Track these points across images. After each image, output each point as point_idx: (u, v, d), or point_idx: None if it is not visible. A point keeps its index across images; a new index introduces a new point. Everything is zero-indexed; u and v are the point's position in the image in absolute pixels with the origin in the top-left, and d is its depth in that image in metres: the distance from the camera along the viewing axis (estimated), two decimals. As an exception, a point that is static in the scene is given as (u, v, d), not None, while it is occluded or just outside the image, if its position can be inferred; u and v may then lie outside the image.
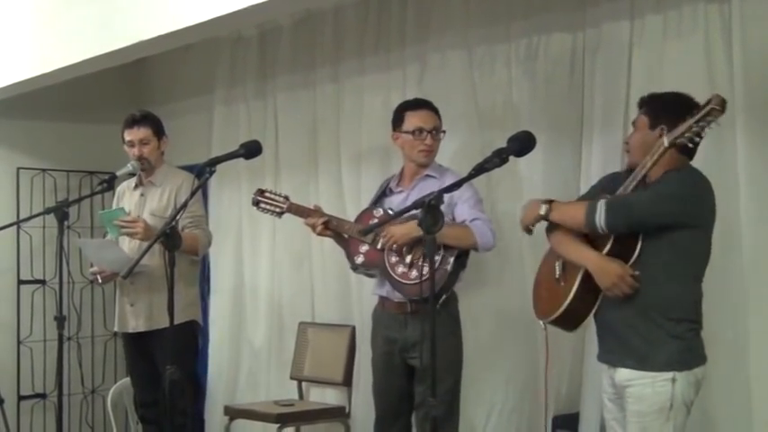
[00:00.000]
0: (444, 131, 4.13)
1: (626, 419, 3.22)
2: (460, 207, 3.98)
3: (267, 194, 4.38)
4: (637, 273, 3.15)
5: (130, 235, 4.63)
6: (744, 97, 3.65)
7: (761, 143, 3.62)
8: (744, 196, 3.65)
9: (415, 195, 3.97)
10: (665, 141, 3.12)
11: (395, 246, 3.97)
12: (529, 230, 3.47)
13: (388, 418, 4.13)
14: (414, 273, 3.91)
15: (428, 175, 4.10)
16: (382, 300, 4.15)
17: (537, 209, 3.38)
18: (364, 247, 4.11)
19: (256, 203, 4.40)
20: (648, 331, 3.17)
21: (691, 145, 3.10)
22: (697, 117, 3.04)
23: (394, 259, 4.00)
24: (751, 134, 3.63)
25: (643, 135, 3.27)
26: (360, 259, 4.13)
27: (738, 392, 3.65)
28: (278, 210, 4.36)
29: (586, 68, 4.21)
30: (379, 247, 4.05)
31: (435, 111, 4.13)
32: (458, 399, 4.03)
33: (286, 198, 4.35)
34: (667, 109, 3.20)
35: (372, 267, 4.11)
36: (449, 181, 3.84)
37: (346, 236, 4.19)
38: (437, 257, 3.88)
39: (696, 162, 3.41)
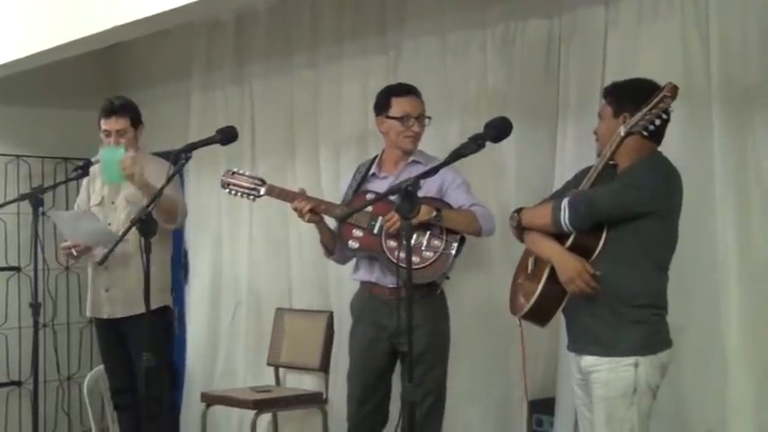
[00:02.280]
0: (429, 117, 4.11)
1: (592, 404, 3.25)
2: (455, 193, 3.97)
3: (238, 175, 4.22)
4: (597, 272, 3.17)
5: (130, 177, 4.46)
6: (720, 83, 3.66)
7: (737, 130, 3.64)
8: (719, 184, 3.67)
9: (392, 182, 3.97)
10: (622, 131, 3.17)
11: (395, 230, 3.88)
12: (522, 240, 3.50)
13: (362, 398, 4.09)
14: (416, 257, 3.83)
15: (415, 161, 4.07)
16: (369, 286, 4.09)
17: (510, 222, 3.46)
18: (358, 232, 4.03)
19: (226, 185, 4.22)
20: (612, 319, 3.20)
21: (645, 133, 3.14)
22: (650, 105, 3.10)
23: (392, 244, 3.94)
24: (727, 121, 3.64)
25: (608, 125, 3.29)
26: (354, 244, 4.04)
27: (712, 377, 3.67)
28: (253, 192, 4.19)
29: (562, 54, 4.22)
30: (375, 231, 3.99)
31: (420, 96, 4.11)
32: (445, 384, 4.04)
33: (262, 181, 4.20)
34: (628, 97, 3.23)
35: (368, 252, 4.03)
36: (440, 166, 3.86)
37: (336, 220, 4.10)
38: (440, 243, 3.88)
39: (671, 149, 3.43)
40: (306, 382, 5.27)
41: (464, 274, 4.37)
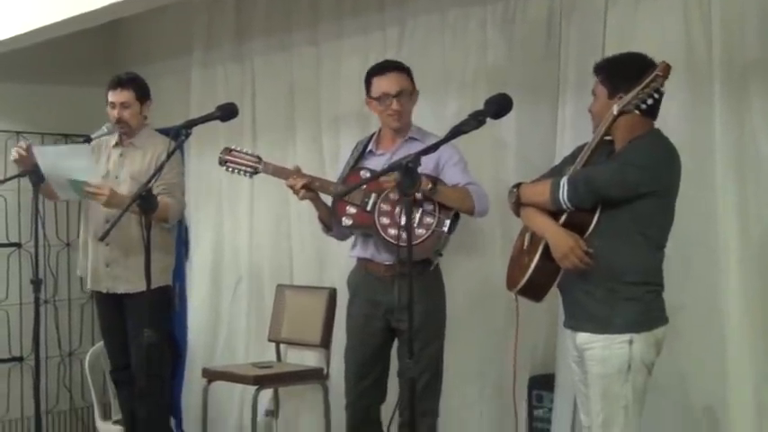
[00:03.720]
0: (417, 92, 4.07)
1: (587, 381, 3.27)
2: (451, 171, 3.94)
3: (235, 153, 4.22)
4: (590, 250, 3.16)
5: (94, 199, 4.54)
6: (722, 61, 3.64)
7: (738, 107, 3.62)
8: (720, 161, 3.66)
9: (392, 158, 3.97)
10: (615, 110, 3.15)
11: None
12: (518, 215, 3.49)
13: (359, 374, 4.10)
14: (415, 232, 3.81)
15: (412, 138, 4.06)
16: (365, 262, 4.09)
17: (509, 198, 3.44)
18: (352, 209, 4.02)
19: (223, 162, 4.24)
20: (606, 296, 3.20)
21: (637, 111, 3.11)
22: (643, 84, 3.07)
23: (385, 221, 3.93)
24: (728, 99, 3.63)
25: (602, 104, 3.28)
26: (348, 221, 4.04)
27: (712, 355, 3.68)
28: (249, 170, 4.20)
29: (563, 31, 4.20)
30: (368, 208, 3.99)
31: (403, 71, 4.06)
32: (442, 361, 4.04)
33: (258, 158, 4.21)
34: (623, 77, 3.20)
35: (361, 229, 4.03)
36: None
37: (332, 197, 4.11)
38: (432, 220, 3.86)
39: (672, 126, 3.43)
40: (307, 358, 5.29)
41: (462, 253, 4.38)
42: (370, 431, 4.12)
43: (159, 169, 3.88)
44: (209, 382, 5.18)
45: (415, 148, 3.87)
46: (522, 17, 4.37)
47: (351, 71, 5.01)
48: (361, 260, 4.12)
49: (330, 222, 4.18)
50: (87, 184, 4.44)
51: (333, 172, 4.59)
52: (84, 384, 6.25)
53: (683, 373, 3.74)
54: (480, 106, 3.19)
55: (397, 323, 3.95)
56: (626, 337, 3.16)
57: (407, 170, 2.99)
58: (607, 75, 3.29)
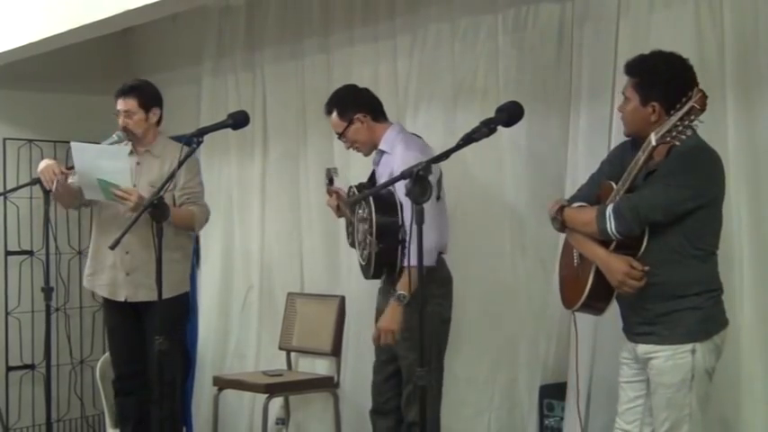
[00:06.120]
0: (359, 119, 4.09)
1: (650, 390, 3.25)
2: (399, 191, 3.84)
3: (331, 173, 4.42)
4: (646, 268, 3.14)
5: (122, 203, 4.47)
6: (734, 69, 3.63)
7: (751, 115, 3.61)
8: (733, 170, 3.63)
9: (378, 171, 4.11)
10: (653, 140, 3.08)
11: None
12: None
13: (376, 368, 4.17)
14: (364, 253, 3.99)
15: (381, 150, 4.11)
16: None
17: (552, 224, 3.43)
18: (349, 227, 4.20)
19: (330, 182, 4.42)
20: (668, 310, 3.18)
21: (678, 143, 3.06)
22: (680, 115, 3.02)
23: (359, 238, 4.05)
24: (741, 106, 3.61)
25: (635, 109, 3.22)
26: (349, 239, 4.25)
27: (725, 363, 3.65)
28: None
29: (575, 39, 4.19)
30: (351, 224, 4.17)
31: (331, 112, 4.14)
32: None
33: (330, 181, 4.36)
34: (659, 86, 3.15)
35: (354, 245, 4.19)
36: (398, 154, 3.94)
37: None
38: (370, 238, 3.89)
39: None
40: (317, 367, 5.29)
41: (472, 259, 4.37)
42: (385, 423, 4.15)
43: (170, 177, 3.88)
44: (220, 390, 5.18)
45: (385, 159, 4.03)
46: (533, 25, 4.36)
47: (362, 79, 4.98)
48: None
49: None
50: (117, 187, 4.37)
51: (343, 180, 4.60)
52: (95, 392, 6.26)
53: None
54: (491, 114, 3.18)
55: None
56: (689, 346, 3.15)
57: (418, 178, 2.97)
58: (641, 81, 3.21)
